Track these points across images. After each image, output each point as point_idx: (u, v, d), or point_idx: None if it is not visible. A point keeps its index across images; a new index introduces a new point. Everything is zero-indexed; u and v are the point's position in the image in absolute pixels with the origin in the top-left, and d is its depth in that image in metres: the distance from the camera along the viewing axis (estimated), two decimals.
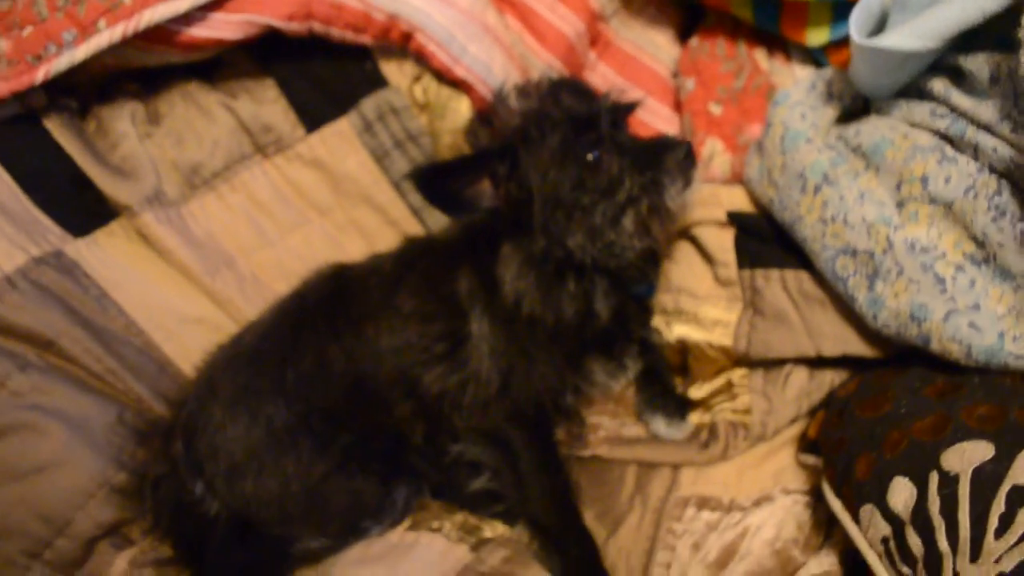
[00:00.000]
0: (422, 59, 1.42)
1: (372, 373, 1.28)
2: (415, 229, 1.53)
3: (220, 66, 1.45)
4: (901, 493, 0.99)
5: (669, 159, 1.20)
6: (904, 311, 1.10)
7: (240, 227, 1.46)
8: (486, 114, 1.31)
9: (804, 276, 1.26)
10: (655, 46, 1.62)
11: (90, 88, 1.43)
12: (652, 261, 1.34)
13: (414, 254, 1.38)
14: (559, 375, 1.28)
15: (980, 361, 1.05)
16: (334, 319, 1.30)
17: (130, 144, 1.39)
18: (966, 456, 0.96)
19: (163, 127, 1.42)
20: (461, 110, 1.45)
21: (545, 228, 1.21)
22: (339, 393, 1.27)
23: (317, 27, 1.37)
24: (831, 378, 1.28)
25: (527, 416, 1.27)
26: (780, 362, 1.30)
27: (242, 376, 1.26)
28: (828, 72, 1.30)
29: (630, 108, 1.27)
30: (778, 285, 1.27)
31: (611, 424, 1.40)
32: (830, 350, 1.22)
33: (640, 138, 1.26)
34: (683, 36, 1.65)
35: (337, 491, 1.23)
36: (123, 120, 1.40)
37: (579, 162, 1.19)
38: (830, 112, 1.26)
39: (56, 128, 1.36)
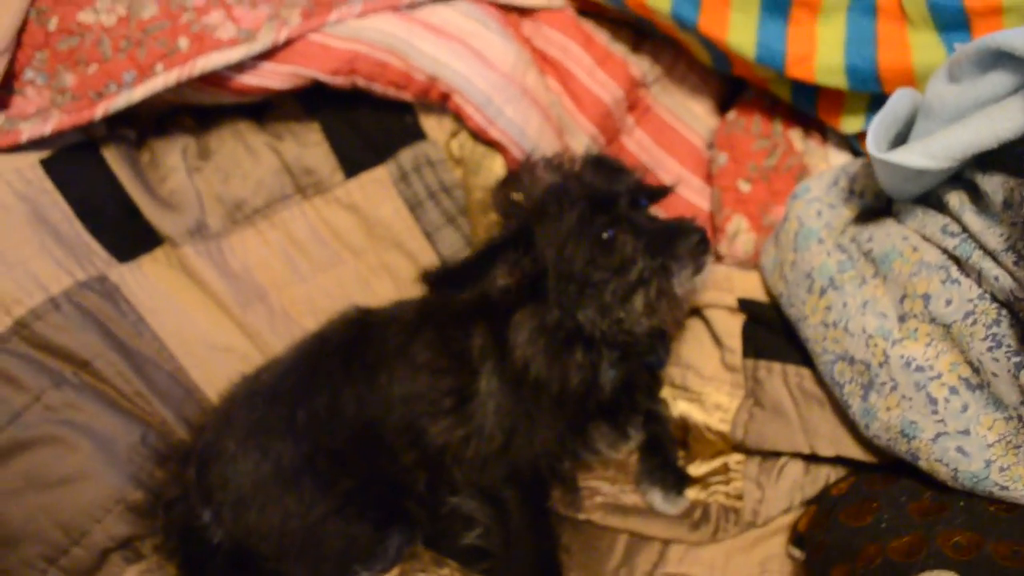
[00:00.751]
0: (459, 118, 1.46)
1: (381, 420, 1.33)
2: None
3: (269, 108, 1.52)
4: None
5: (681, 245, 1.20)
6: (895, 426, 1.09)
7: (275, 263, 1.52)
8: (511, 181, 1.34)
9: (805, 373, 1.26)
10: (693, 116, 1.63)
11: (148, 120, 1.52)
12: (662, 336, 1.35)
13: (435, 306, 1.42)
14: (560, 440, 1.31)
15: (966, 486, 1.04)
16: (350, 363, 1.35)
17: (179, 178, 1.47)
18: None
19: (212, 162, 1.50)
20: (494, 168, 1.49)
21: (558, 301, 1.24)
22: (347, 437, 1.32)
23: (360, 82, 1.42)
24: (827, 473, 1.27)
25: (524, 477, 1.30)
26: (776, 453, 1.30)
27: (257, 412, 1.32)
28: (854, 167, 1.29)
29: (656, 192, 1.29)
30: (779, 379, 1.27)
31: (610, 490, 1.42)
32: (824, 450, 1.22)
33: (658, 220, 1.27)
34: (722, 108, 1.65)
35: (333, 533, 1.28)
36: (175, 154, 1.49)
37: (594, 240, 1.21)
38: (847, 212, 1.25)
39: (112, 158, 1.44)
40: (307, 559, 1.29)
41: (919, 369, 1.08)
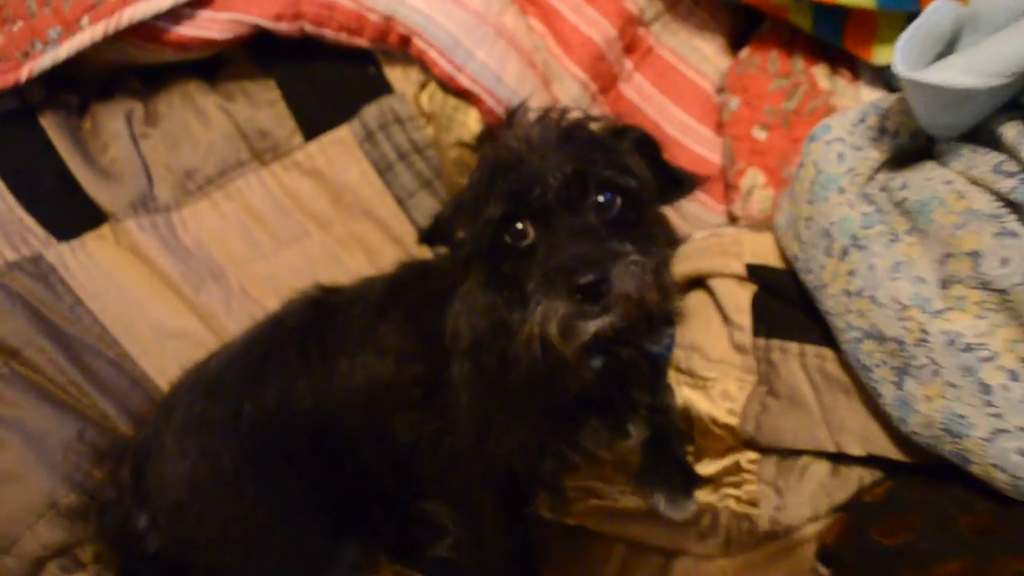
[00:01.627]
0: (424, 66, 1.25)
1: (339, 414, 1.14)
2: (420, 247, 1.37)
3: (221, 67, 1.35)
4: None
5: (562, 281, 0.89)
6: (938, 421, 0.85)
7: (233, 237, 1.36)
8: (492, 132, 1.12)
9: (828, 354, 1.01)
10: (701, 56, 1.38)
11: (92, 84, 1.36)
12: (665, 322, 1.12)
13: (406, 283, 1.22)
14: (538, 438, 1.10)
15: None
16: (306, 350, 1.17)
17: (121, 145, 1.32)
18: None
19: (160, 128, 1.34)
20: (468, 123, 1.27)
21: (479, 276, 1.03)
22: (299, 434, 1.14)
23: (308, 28, 1.24)
24: (859, 475, 1.02)
25: (499, 479, 1.11)
26: (797, 450, 1.06)
27: (198, 404, 1.16)
28: (887, 101, 1.02)
29: (620, 190, 0.99)
30: (797, 362, 1.03)
31: (606, 491, 1.20)
32: (853, 448, 0.98)
33: (598, 227, 0.95)
34: (735, 47, 1.39)
35: (278, 542, 1.11)
36: (117, 119, 1.33)
37: (502, 223, 0.96)
38: (876, 155, 0.98)
39: (51, 126, 1.30)
40: (249, 571, 1.11)
41: (968, 348, 0.83)
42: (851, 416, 0.98)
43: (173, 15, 1.22)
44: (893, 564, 0.86)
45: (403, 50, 1.25)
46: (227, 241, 1.35)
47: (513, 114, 1.08)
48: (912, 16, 1.06)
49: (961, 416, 0.83)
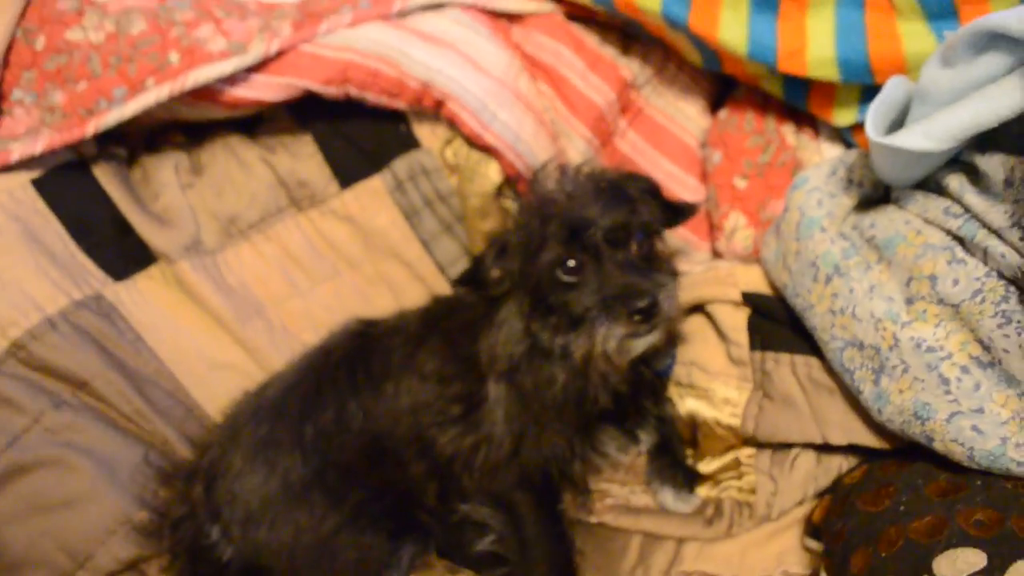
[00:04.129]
0: (454, 125, 1.47)
1: (388, 432, 1.33)
2: (441, 285, 1.59)
3: (260, 121, 1.53)
4: None
5: (621, 306, 1.15)
6: (908, 408, 1.11)
7: (272, 277, 1.53)
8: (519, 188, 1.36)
9: (814, 363, 1.28)
10: (685, 116, 1.65)
11: (138, 137, 1.52)
12: (668, 344, 1.36)
13: (439, 314, 1.43)
14: (568, 444, 1.32)
15: (982, 464, 1.06)
16: (355, 376, 1.36)
17: (172, 194, 1.47)
18: (958, 563, 0.96)
19: (204, 178, 1.50)
20: (489, 174, 1.50)
21: (523, 309, 1.26)
22: (355, 450, 1.32)
23: (353, 92, 1.43)
24: (839, 463, 1.28)
25: (534, 482, 1.30)
26: (788, 445, 1.31)
27: (263, 427, 1.32)
28: (850, 157, 1.31)
29: (648, 228, 1.25)
30: (788, 369, 1.29)
31: (619, 492, 1.43)
32: (837, 439, 1.24)
33: (632, 265, 1.20)
34: (714, 107, 1.68)
35: (346, 546, 1.27)
36: (167, 170, 1.49)
37: (556, 263, 1.19)
38: (847, 200, 1.27)
39: (104, 176, 1.45)
40: (321, 573, 1.28)
41: (930, 350, 1.09)
42: (834, 412, 1.24)
43: (230, 78, 1.39)
44: (878, 524, 1.10)
45: (436, 111, 1.47)
46: (267, 281, 1.52)
47: (540, 170, 1.33)
48: (866, 87, 1.36)
49: (926, 404, 1.09)
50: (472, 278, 1.33)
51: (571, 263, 1.19)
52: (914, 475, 1.15)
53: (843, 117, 1.42)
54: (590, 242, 1.18)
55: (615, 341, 1.16)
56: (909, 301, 1.14)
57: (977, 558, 0.96)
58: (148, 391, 1.41)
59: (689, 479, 1.40)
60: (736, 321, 1.34)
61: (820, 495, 1.31)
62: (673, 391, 1.42)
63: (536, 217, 1.22)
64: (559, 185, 1.26)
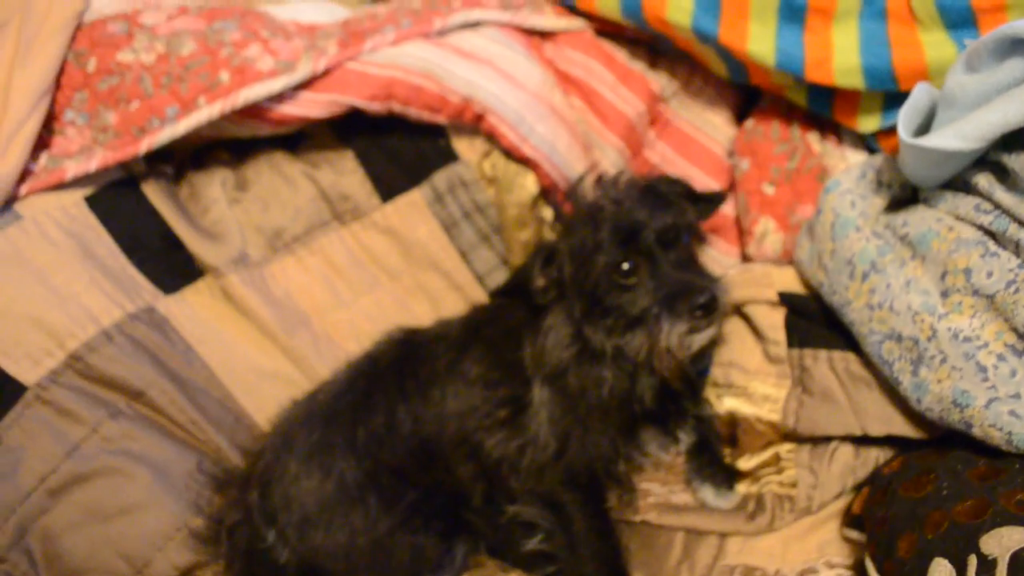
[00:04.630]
0: (492, 138, 1.54)
1: (436, 435, 1.38)
2: (479, 294, 1.64)
3: (304, 138, 1.59)
4: (941, 574, 1.05)
5: (682, 302, 1.22)
6: (947, 396, 1.17)
7: (316, 289, 1.58)
8: (557, 199, 1.42)
9: (851, 357, 1.34)
10: (712, 126, 1.72)
11: (185, 155, 1.58)
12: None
13: (481, 321, 1.49)
14: (612, 444, 1.37)
15: (1020, 448, 1.11)
16: (403, 382, 1.41)
17: (220, 209, 1.53)
18: (1004, 541, 1.01)
19: (250, 193, 1.56)
20: (527, 185, 1.57)
21: (574, 313, 1.33)
22: (405, 452, 1.37)
23: (396, 107, 1.50)
24: (876, 455, 1.34)
25: (581, 481, 1.35)
26: (826, 438, 1.36)
27: (317, 432, 1.37)
28: (878, 160, 1.39)
29: (691, 229, 1.34)
30: (826, 365, 1.35)
31: (661, 491, 1.47)
32: (876, 430, 1.29)
33: (685, 265, 1.29)
34: (739, 117, 1.75)
35: (401, 546, 1.32)
36: (214, 186, 1.54)
37: (612, 266, 1.27)
38: (879, 201, 1.34)
39: (153, 193, 1.50)
40: (377, 573, 1.32)
41: (967, 340, 1.15)
42: (873, 404, 1.30)
43: (278, 96, 1.45)
44: (922, 509, 1.15)
45: (475, 125, 1.53)
46: (312, 292, 1.57)
47: (579, 181, 1.39)
48: (889, 95, 1.43)
49: (965, 391, 1.15)
50: (516, 288, 1.39)
51: (626, 265, 1.25)
52: (954, 461, 1.20)
53: (867, 124, 1.49)
54: (644, 244, 1.25)
55: (677, 337, 1.23)
56: (944, 294, 1.20)
57: (1023, 535, 1.01)
58: (200, 400, 1.45)
59: (728, 476, 1.45)
60: (773, 320, 1.40)
61: (859, 487, 1.36)
62: (711, 392, 1.47)
63: (587, 223, 1.29)
64: (603, 193, 1.33)
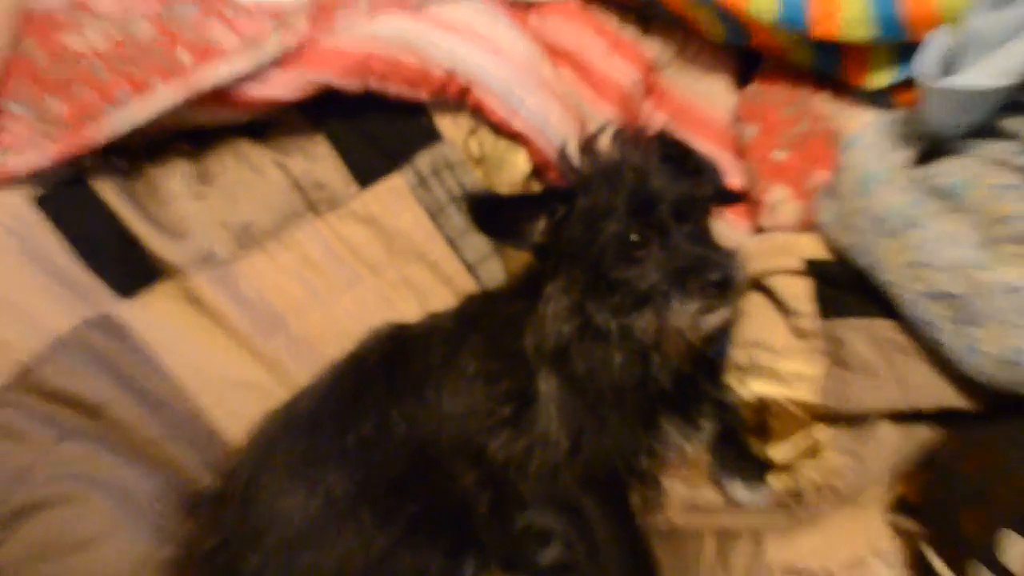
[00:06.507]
0: (479, 113, 1.46)
1: (434, 439, 1.28)
2: (469, 286, 1.54)
3: (271, 124, 1.49)
4: (1014, 548, 0.98)
5: (693, 279, 1.13)
6: (1000, 355, 1.09)
7: (291, 287, 1.48)
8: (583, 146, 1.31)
9: (889, 325, 1.25)
10: (711, 93, 1.66)
11: (139, 146, 1.47)
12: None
13: (475, 311, 1.39)
14: (633, 435, 1.27)
15: None
16: (394, 381, 1.31)
17: (181, 204, 1.43)
18: None
19: (215, 186, 1.46)
20: (518, 163, 1.48)
21: (575, 282, 1.22)
22: (401, 461, 1.26)
23: (374, 83, 1.42)
24: (923, 433, 1.25)
25: (600, 481, 1.25)
26: (864, 418, 1.27)
27: (300, 442, 1.26)
28: (897, 114, 1.33)
29: (708, 202, 1.25)
30: (863, 334, 1.26)
31: (684, 490, 1.37)
32: (925, 403, 1.21)
33: (698, 240, 1.20)
34: (740, 82, 1.69)
35: (401, 566, 1.20)
36: (174, 180, 1.45)
37: (622, 236, 1.17)
38: (903, 155, 1.28)
39: (107, 190, 1.41)
40: None
41: (1014, 290, 1.08)
42: (919, 375, 1.21)
43: (245, 77, 1.36)
44: (986, 484, 1.08)
45: (460, 100, 1.45)
46: (286, 291, 1.47)
47: (596, 133, 1.29)
48: (899, 48, 1.37)
49: (1019, 348, 1.07)
50: (492, 219, 1.22)
51: (635, 237, 1.16)
52: (1015, 430, 1.12)
53: (878, 79, 1.43)
54: (658, 216, 1.16)
55: (688, 316, 1.13)
56: (988, 245, 1.13)
57: None
58: (165, 415, 1.35)
59: (758, 468, 1.36)
60: (798, 290, 1.32)
61: (904, 468, 1.27)
62: (733, 376, 1.38)
63: (602, 185, 1.19)
64: (625, 150, 1.24)
